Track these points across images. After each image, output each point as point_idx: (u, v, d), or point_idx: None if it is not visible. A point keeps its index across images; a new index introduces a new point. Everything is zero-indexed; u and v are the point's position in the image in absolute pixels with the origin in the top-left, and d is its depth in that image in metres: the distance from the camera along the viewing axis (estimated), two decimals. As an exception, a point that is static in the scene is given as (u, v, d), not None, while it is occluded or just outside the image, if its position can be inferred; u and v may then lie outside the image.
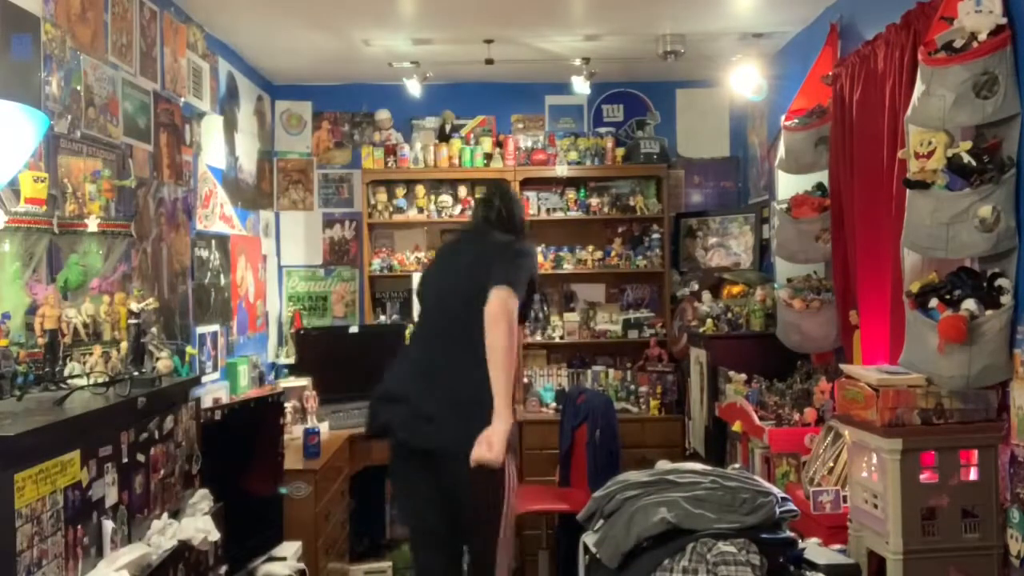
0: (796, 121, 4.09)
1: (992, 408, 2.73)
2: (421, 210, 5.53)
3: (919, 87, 2.75)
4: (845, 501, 3.05)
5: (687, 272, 5.60)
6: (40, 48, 2.77)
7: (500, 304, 2.77)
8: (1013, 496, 2.64)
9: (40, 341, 2.46)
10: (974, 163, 2.63)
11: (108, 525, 2.02)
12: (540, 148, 5.53)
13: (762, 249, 5.24)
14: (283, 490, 3.59)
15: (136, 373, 2.58)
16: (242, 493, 3.17)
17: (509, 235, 3.11)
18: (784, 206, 4.19)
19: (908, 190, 2.78)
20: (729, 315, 4.57)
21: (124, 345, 2.80)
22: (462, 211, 5.49)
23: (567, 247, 5.56)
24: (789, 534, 2.62)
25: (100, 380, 2.31)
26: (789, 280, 4.25)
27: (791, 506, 2.64)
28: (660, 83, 5.70)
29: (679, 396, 5.27)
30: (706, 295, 4.96)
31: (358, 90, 5.66)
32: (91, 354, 2.71)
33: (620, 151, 5.55)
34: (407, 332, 5.34)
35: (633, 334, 5.50)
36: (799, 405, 3.76)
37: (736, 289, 4.98)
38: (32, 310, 2.54)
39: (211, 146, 4.40)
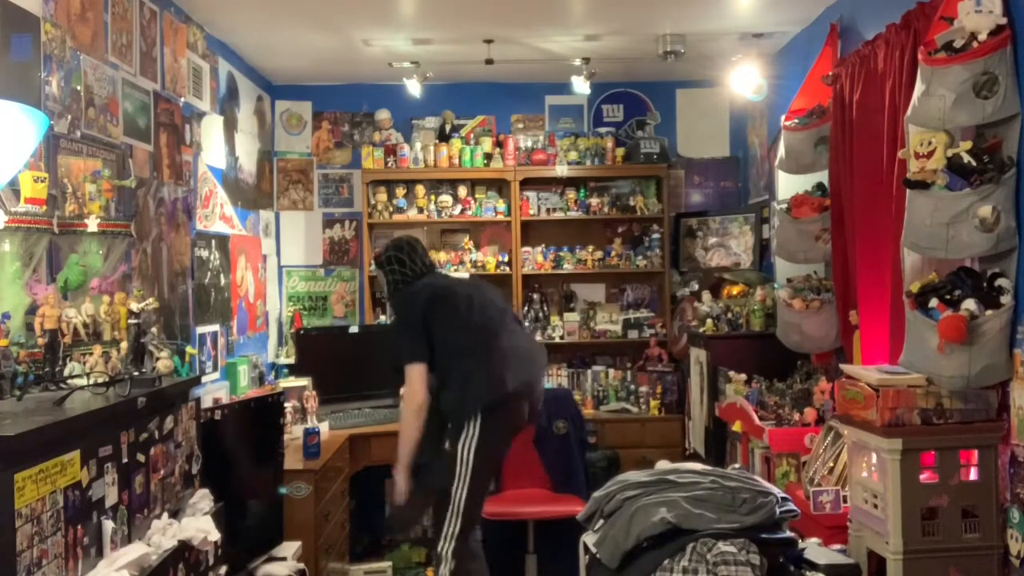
0: (796, 121, 4.09)
1: (992, 408, 2.73)
2: (421, 210, 5.53)
3: (919, 87, 2.75)
4: (845, 501, 3.05)
5: (687, 272, 5.60)
6: (40, 48, 2.77)
7: None
8: (1013, 496, 2.64)
9: (40, 341, 2.46)
10: (974, 163, 2.63)
11: (108, 525, 2.02)
12: (540, 148, 5.53)
13: (762, 249, 5.24)
14: (283, 490, 3.59)
15: (136, 373, 2.58)
16: (242, 493, 3.17)
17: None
18: (784, 206, 4.19)
19: (908, 190, 2.78)
20: (729, 315, 4.57)
21: (124, 345, 2.80)
22: (462, 211, 5.50)
23: (567, 247, 5.56)
24: (789, 534, 2.63)
25: (100, 380, 2.31)
26: (789, 280, 4.24)
27: (791, 506, 2.64)
28: (660, 83, 5.70)
29: (679, 396, 5.27)
30: (706, 295, 4.95)
31: (358, 90, 5.66)
32: (91, 354, 2.71)
33: (620, 151, 5.54)
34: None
35: (633, 334, 5.50)
36: (799, 405, 3.75)
37: (736, 289, 4.98)
38: (32, 310, 2.54)
39: (211, 146, 4.40)
